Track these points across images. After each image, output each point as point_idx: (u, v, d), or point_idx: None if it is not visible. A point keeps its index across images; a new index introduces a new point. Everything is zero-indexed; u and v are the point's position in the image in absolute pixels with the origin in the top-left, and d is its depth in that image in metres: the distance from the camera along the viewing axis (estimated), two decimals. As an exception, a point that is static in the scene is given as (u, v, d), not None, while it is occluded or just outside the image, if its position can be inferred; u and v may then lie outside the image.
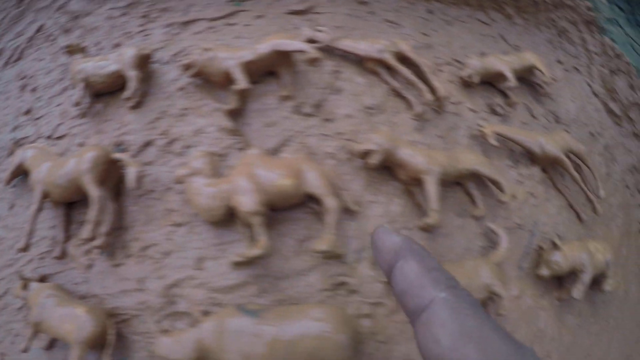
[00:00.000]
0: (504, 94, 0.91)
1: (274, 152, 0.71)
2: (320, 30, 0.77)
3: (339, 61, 0.80)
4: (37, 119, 0.78)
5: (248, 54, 0.73)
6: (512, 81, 0.85)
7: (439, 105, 0.80)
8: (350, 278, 0.66)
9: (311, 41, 0.80)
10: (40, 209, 0.69)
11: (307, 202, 0.67)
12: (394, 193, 0.71)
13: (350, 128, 0.73)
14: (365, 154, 0.67)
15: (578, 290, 0.75)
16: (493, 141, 0.77)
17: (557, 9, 1.06)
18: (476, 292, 0.63)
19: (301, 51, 0.70)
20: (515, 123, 0.90)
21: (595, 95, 1.06)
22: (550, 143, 0.83)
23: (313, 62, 0.72)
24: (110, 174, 0.71)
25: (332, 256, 0.66)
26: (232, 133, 0.72)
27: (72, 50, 0.76)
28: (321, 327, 0.52)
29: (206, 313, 0.61)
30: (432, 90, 0.77)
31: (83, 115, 0.74)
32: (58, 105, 0.76)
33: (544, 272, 0.75)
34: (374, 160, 0.66)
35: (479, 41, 0.98)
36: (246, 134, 0.72)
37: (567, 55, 1.07)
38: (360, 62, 0.81)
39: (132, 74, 0.73)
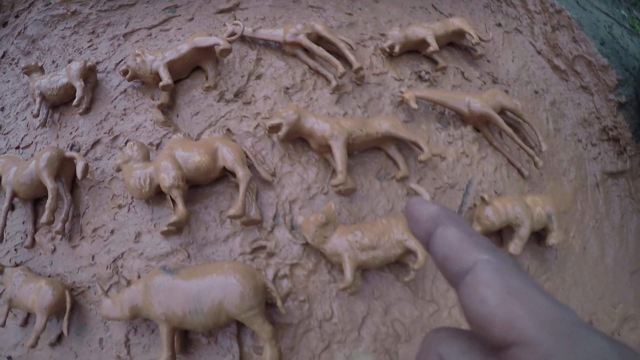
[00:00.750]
0: (433, 61, 0.90)
1: (199, 136, 0.76)
2: (236, 24, 0.81)
3: (261, 50, 0.84)
4: (7, 133, 0.89)
5: (171, 54, 0.79)
6: (433, 46, 0.84)
7: (358, 77, 0.81)
8: (268, 242, 0.68)
9: (232, 34, 0.86)
10: (10, 207, 0.80)
11: (229, 176, 0.71)
12: (308, 162, 0.72)
13: (268, 108, 0.76)
14: (274, 128, 0.69)
15: (515, 245, 0.70)
16: (413, 104, 0.76)
17: (493, -29, 1.03)
18: (389, 249, 0.62)
19: (216, 44, 0.77)
20: (446, 87, 0.88)
21: (539, 53, 1.00)
22: (477, 101, 0.80)
23: (224, 53, 0.77)
24: (65, 170, 0.80)
25: (250, 222, 0.70)
26: (165, 124, 0.79)
27: (29, 70, 0.85)
28: (226, 279, 0.57)
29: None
30: (350, 64, 0.78)
31: (43, 124, 0.84)
32: (24, 119, 0.87)
33: (476, 228, 0.71)
34: (282, 132, 0.69)
35: (408, 14, 0.97)
36: (177, 124, 0.78)
37: (507, 17, 1.01)
38: (280, 47, 0.85)
39: (78, 84, 0.82)
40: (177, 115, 0.78)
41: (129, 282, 0.70)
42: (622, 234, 0.87)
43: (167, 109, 0.79)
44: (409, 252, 0.63)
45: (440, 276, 0.70)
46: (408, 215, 0.23)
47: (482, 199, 0.71)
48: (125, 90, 0.83)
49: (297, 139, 0.72)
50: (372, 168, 0.73)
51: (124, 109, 0.81)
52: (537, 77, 0.98)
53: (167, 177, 0.69)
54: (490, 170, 0.80)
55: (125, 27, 0.89)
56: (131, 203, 0.75)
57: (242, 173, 0.69)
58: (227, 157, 0.70)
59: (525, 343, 0.17)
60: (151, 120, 0.79)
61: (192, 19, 0.88)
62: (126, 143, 0.78)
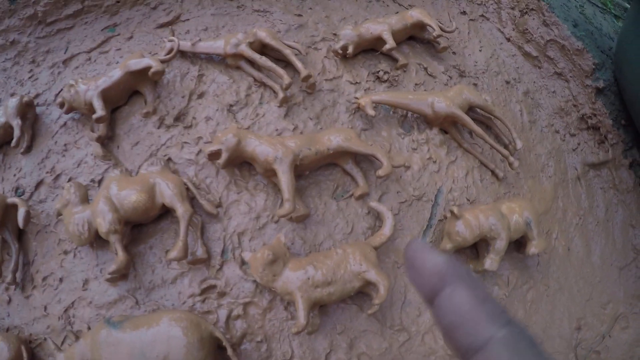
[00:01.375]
0: (393, 59, 0.81)
1: (140, 169, 0.69)
2: (171, 40, 0.73)
3: (203, 65, 0.76)
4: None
5: (104, 82, 0.70)
6: (389, 43, 0.74)
7: (309, 86, 0.72)
8: (218, 280, 0.61)
9: (169, 52, 0.77)
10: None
11: (172, 212, 0.62)
12: (256, 187, 0.64)
13: (210, 130, 0.67)
14: (213, 155, 0.62)
15: (491, 261, 0.61)
16: (370, 111, 0.67)
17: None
18: (347, 283, 0.53)
19: (148, 67, 0.68)
20: (408, 86, 0.79)
21: (509, 40, 0.88)
22: (441, 100, 0.70)
23: (156, 76, 0.68)
24: (10, 217, 0.74)
25: (196, 261, 0.63)
26: (105, 158, 0.71)
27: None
28: (170, 332, 0.52)
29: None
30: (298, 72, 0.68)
31: (-17, 167, 0.77)
32: (-36, 162, 0.81)
33: (447, 245, 0.62)
34: (222, 159, 0.61)
35: (364, 9, 0.87)
36: (117, 157, 0.71)
37: (472, 4, 0.89)
38: (223, 60, 0.76)
39: (16, 123, 0.73)
40: (118, 147, 0.70)
41: (77, 336, 0.64)
42: (607, 228, 0.79)
43: (107, 140, 0.71)
44: (369, 283, 0.57)
45: (410, 301, 0.63)
46: (408, 263, 0.21)
47: (452, 212, 0.61)
48: (65, 124, 0.74)
49: (244, 162, 0.65)
50: (328, 187, 0.65)
51: (65, 144, 0.73)
52: (507, 66, 0.88)
53: (103, 223, 0.61)
54: (461, 175, 0.72)
55: (65, 53, 0.81)
56: (76, 248, 0.67)
57: (181, 210, 0.61)
58: (165, 192, 0.62)
59: None
60: (92, 154, 0.71)
61: (131, 37, 0.79)
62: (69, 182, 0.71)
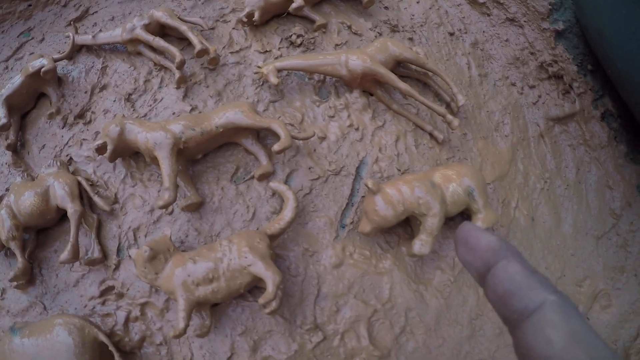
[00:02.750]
0: (311, 20, 0.69)
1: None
2: (67, 36, 0.65)
3: (107, 56, 0.67)
4: None
5: (7, 90, 0.63)
6: (297, 1, 0.61)
7: (210, 61, 0.62)
8: (115, 281, 0.51)
9: (76, 47, 0.70)
10: None
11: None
12: (150, 179, 0.54)
13: (107, 122, 0.61)
14: (100, 149, 0.53)
15: (421, 243, 0.47)
16: (273, 79, 0.54)
17: None
18: (232, 279, 0.42)
19: (41, 67, 0.60)
20: (327, 48, 0.66)
21: None
22: (355, 58, 0.57)
23: (47, 74, 0.60)
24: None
25: (92, 262, 0.55)
26: (16, 166, 0.65)
27: None
28: (55, 337, 0.46)
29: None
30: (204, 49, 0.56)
31: None
32: None
33: (366, 227, 0.48)
34: (108, 152, 0.51)
35: None
36: (28, 163, 0.65)
37: None
38: (125, 48, 0.68)
39: None
40: (28, 153, 0.64)
41: None
42: (579, 191, 0.63)
43: (20, 147, 0.66)
44: (260, 278, 0.46)
45: (326, 295, 0.51)
46: (461, 242, 0.22)
47: (367, 186, 0.47)
48: (-17, 133, 0.70)
49: (139, 153, 0.56)
50: (227, 170, 0.54)
51: (-17, 154, 0.69)
52: (451, 16, 0.72)
53: (2, 230, 0.55)
54: (390, 141, 0.59)
55: (-15, 65, 0.77)
56: (-9, 256, 0.63)
57: (71, 209, 0.53)
58: (59, 193, 0.54)
59: None
60: (6, 163, 0.66)
61: (43, 40, 0.72)
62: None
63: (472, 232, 0.22)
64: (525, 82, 0.68)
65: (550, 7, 0.68)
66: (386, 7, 0.69)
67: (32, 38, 0.73)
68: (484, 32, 0.70)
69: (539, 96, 0.68)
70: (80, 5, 0.72)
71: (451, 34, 0.69)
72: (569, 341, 0.17)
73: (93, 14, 0.71)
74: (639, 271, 0.60)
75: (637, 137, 0.67)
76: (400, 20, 0.68)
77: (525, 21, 0.70)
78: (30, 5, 0.74)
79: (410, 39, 0.66)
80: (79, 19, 0.71)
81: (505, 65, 0.69)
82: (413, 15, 0.69)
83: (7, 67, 0.73)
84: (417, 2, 0.70)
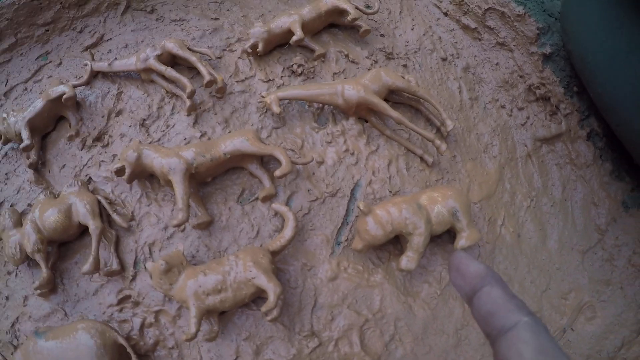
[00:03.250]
0: (311, 50, 0.80)
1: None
2: (85, 65, 0.78)
3: (122, 82, 0.79)
4: None
5: (29, 113, 0.76)
6: (297, 34, 0.72)
7: (217, 90, 0.73)
8: (132, 291, 0.63)
9: (93, 73, 0.82)
10: None
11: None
12: (164, 199, 0.65)
13: (124, 146, 0.72)
14: (119, 172, 0.65)
15: (407, 259, 0.57)
16: (275, 108, 0.66)
17: None
18: (238, 290, 0.52)
19: (62, 93, 0.71)
20: (326, 77, 0.77)
21: (446, 14, 0.81)
22: (351, 87, 0.68)
23: (68, 101, 0.72)
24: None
25: (111, 273, 0.66)
26: (38, 183, 0.77)
27: None
28: (78, 340, 0.57)
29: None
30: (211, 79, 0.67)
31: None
32: None
33: (358, 245, 0.58)
34: (126, 175, 0.63)
35: (285, 3, 0.85)
36: (49, 181, 0.76)
37: None
38: (139, 75, 0.80)
39: None
40: (49, 171, 0.76)
41: (15, 347, 0.71)
42: (565, 209, 0.73)
43: (41, 166, 0.78)
44: (263, 290, 0.57)
45: (322, 305, 0.61)
46: (453, 268, 0.29)
47: (359, 208, 0.57)
48: (6, 154, 0.82)
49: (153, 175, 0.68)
50: (234, 192, 0.66)
51: (6, 173, 0.80)
52: (444, 42, 0.83)
53: (28, 244, 0.67)
54: (382, 165, 0.70)
55: (5, 86, 0.89)
56: (17, 268, 0.74)
57: (92, 226, 0.65)
58: (80, 211, 0.67)
59: None
60: (28, 180, 0.78)
61: (60, 64, 0.85)
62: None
63: (463, 260, 0.28)
64: (514, 104, 0.78)
65: (538, 31, 0.78)
66: (382, 35, 0.80)
67: (50, 62, 0.86)
68: (475, 56, 0.81)
69: (527, 117, 0.78)
70: (96, 32, 0.84)
71: (444, 59, 0.79)
72: (536, 355, 0.22)
73: (107, 40, 0.83)
74: (624, 284, 0.70)
75: (622, 155, 0.77)
76: (395, 48, 0.79)
77: (514, 45, 0.80)
78: (47, 30, 0.87)
79: (405, 66, 0.77)
80: (94, 45, 0.83)
81: (495, 89, 0.79)
82: (407, 42, 0.80)
83: (26, 89, 0.86)
84: (412, 29, 0.81)
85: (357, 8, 0.76)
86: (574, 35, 0.74)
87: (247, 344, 0.57)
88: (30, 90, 0.85)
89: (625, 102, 0.67)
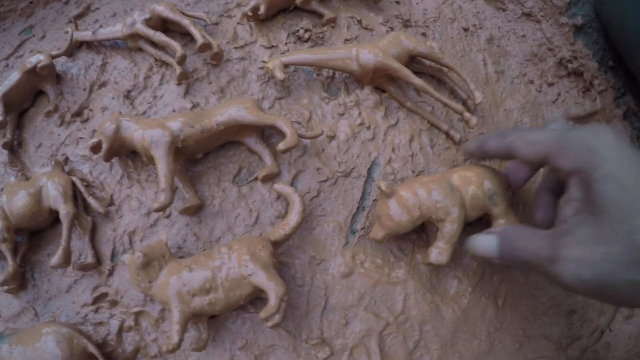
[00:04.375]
0: (319, 14, 0.64)
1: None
2: (66, 32, 0.61)
3: (108, 52, 0.62)
4: None
5: (4, 87, 0.60)
6: None
7: (212, 56, 0.57)
8: (109, 288, 0.46)
9: (76, 43, 0.66)
10: None
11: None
12: (147, 179, 0.49)
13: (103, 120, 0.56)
14: (95, 148, 0.49)
15: (439, 251, 0.41)
16: (279, 74, 0.48)
17: None
18: (231, 289, 0.37)
19: (38, 63, 0.56)
20: (337, 43, 0.59)
21: None
22: (367, 51, 0.52)
23: (43, 70, 0.56)
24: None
25: (85, 267, 0.51)
26: (12, 165, 0.61)
27: None
28: (43, 347, 0.42)
29: None
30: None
31: None
32: None
33: (378, 234, 0.43)
34: (103, 151, 0.47)
35: None
36: (24, 162, 0.60)
37: None
38: (126, 44, 0.64)
39: None
40: (25, 152, 0.60)
41: None
42: None
43: (17, 146, 0.62)
44: (257, 286, 0.41)
45: (334, 307, 0.45)
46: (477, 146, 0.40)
47: (380, 188, 0.41)
48: (-19, 132, 0.67)
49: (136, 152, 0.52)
50: (229, 170, 0.49)
51: (-20, 153, 0.65)
52: (465, 11, 0.67)
53: (-7, 233, 0.52)
54: (403, 141, 0.53)
55: (-13, 62, 0.73)
56: (-16, 259, 0.59)
57: (64, 211, 0.48)
58: (52, 194, 0.50)
59: None
60: (2, 162, 0.62)
61: (44, 37, 0.68)
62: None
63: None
64: (544, 79, 0.63)
65: (568, 0, 0.62)
66: (397, 2, 0.64)
67: (34, 35, 0.69)
68: (499, 27, 0.65)
69: (558, 94, 0.62)
70: (82, 2, 0.68)
71: (465, 30, 0.64)
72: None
73: (95, 10, 0.67)
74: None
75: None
76: (412, 15, 0.63)
77: (542, 16, 0.64)
78: (31, 2, 0.70)
79: (424, 34, 0.61)
80: (80, 15, 0.67)
81: (523, 62, 0.63)
82: (426, 10, 0.64)
83: (7, 65, 0.69)
84: (430, -3, 0.65)
85: (369, -30, 0.60)
86: (612, 2, 0.58)
87: (244, 354, 0.42)
88: (12, 66, 0.69)
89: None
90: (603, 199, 0.24)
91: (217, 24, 0.59)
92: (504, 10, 0.66)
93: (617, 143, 0.26)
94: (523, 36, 0.65)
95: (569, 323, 0.51)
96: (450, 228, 0.42)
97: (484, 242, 0.36)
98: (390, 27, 0.60)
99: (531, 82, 0.62)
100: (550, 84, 0.63)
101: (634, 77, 0.62)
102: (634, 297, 0.24)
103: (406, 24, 0.61)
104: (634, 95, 0.63)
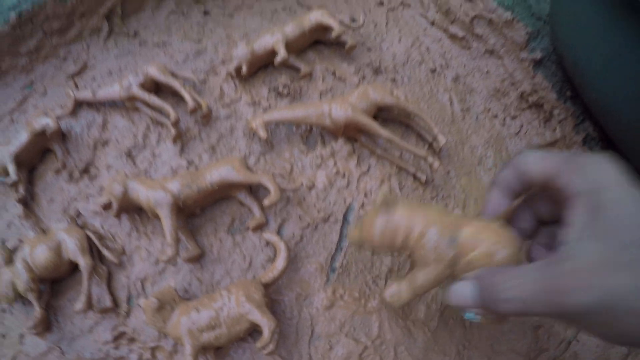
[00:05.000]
0: (296, 69, 0.76)
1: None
2: (67, 94, 0.74)
3: (107, 111, 0.75)
4: None
5: (14, 147, 0.73)
6: (280, 54, 0.69)
7: (203, 117, 0.70)
8: (127, 327, 0.60)
9: (77, 103, 0.78)
10: None
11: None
12: (154, 232, 0.62)
13: (110, 179, 0.69)
14: (106, 207, 0.62)
15: (397, 292, 0.44)
16: (261, 133, 0.63)
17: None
18: (232, 325, 0.50)
19: (46, 126, 0.67)
20: (313, 96, 0.74)
21: (433, 24, 0.77)
22: (337, 107, 0.65)
23: (53, 135, 0.70)
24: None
25: (104, 310, 0.64)
26: (27, 218, 0.74)
27: None
28: None
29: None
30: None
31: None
32: None
33: (354, 237, 0.45)
34: (113, 210, 0.61)
35: (269, 21, 0.81)
36: (38, 215, 0.74)
37: None
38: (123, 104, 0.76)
39: None
40: (38, 206, 0.73)
41: None
42: None
43: (30, 200, 0.75)
44: (256, 324, 0.54)
45: (319, 335, 0.58)
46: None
47: (379, 199, 0.40)
48: (-5, 188, 0.80)
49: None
50: (224, 222, 0.62)
51: (-4, 208, 0.78)
52: (432, 52, 0.79)
53: (20, 283, 0.64)
54: (374, 186, 0.66)
55: (-8, 117, 0.86)
56: (11, 307, 0.72)
57: (83, 263, 0.63)
58: (70, 248, 0.64)
59: None
60: (17, 215, 0.75)
61: (45, 93, 0.81)
62: (2, 243, 0.76)
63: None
64: (507, 113, 0.75)
65: (527, 36, 0.74)
66: (369, 49, 0.76)
67: (35, 91, 0.82)
68: (465, 65, 0.77)
69: (521, 126, 0.75)
70: (79, 59, 0.80)
71: (433, 71, 0.76)
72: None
73: (91, 67, 0.79)
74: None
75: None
76: (382, 61, 0.75)
77: (504, 52, 0.77)
78: (31, 59, 0.83)
79: (393, 80, 0.74)
80: (78, 73, 0.80)
81: (487, 98, 0.76)
82: (395, 55, 0.76)
83: (12, 120, 0.83)
84: (399, 41, 0.78)
85: (341, 23, 0.72)
86: (564, 39, 0.70)
87: (245, 379, 0.55)
88: (17, 121, 0.82)
89: (623, 106, 0.63)
90: (613, 224, 0.25)
91: (204, 82, 0.72)
92: (468, 48, 0.78)
93: (624, 170, 0.28)
94: (487, 72, 0.77)
95: (535, 337, 0.63)
96: (423, 278, 0.40)
97: (458, 291, 0.34)
98: (362, 76, 0.73)
99: (495, 116, 0.75)
100: (514, 117, 0.75)
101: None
102: (636, 328, 0.24)
103: (376, 72, 0.74)
104: (592, 122, 0.76)
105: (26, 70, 0.85)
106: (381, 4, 0.82)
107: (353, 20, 0.79)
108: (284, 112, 0.63)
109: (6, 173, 0.73)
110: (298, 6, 0.81)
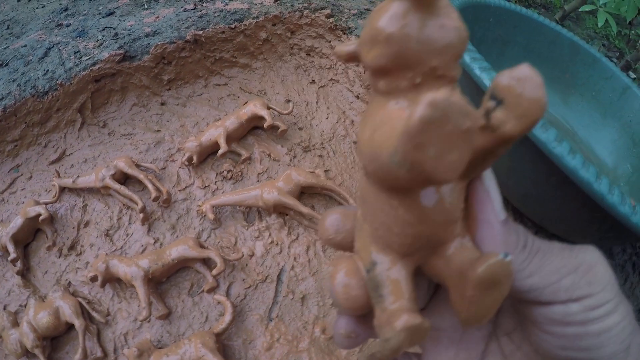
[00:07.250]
0: (238, 154, 1.22)
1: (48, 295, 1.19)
2: (52, 184, 1.23)
3: (86, 196, 1.23)
4: None
5: (12, 229, 1.22)
6: (222, 147, 1.16)
7: (163, 202, 1.16)
8: None
9: (61, 190, 1.26)
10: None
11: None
12: (131, 296, 1.10)
13: (94, 255, 1.16)
14: (93, 279, 1.09)
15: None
16: (210, 215, 1.10)
17: (296, 33, 1.30)
18: None
19: (39, 214, 1.18)
20: (252, 178, 1.20)
21: (358, 97, 1.24)
22: (267, 191, 1.11)
23: (45, 222, 1.18)
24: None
25: (96, 359, 1.11)
26: (26, 287, 1.22)
27: None
28: None
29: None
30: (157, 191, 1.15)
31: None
32: None
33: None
34: (99, 282, 1.08)
35: (216, 108, 1.28)
36: (35, 285, 1.21)
37: (321, 70, 1.26)
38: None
39: None
40: (34, 277, 1.21)
41: None
42: None
43: (26, 272, 1.22)
44: None
45: None
46: None
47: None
48: (-6, 261, 1.28)
49: (120, 278, 1.12)
50: (185, 286, 1.09)
51: (-3, 279, 1.26)
52: (356, 125, 1.25)
53: (27, 341, 1.13)
54: (302, 251, 1.12)
55: (-18, 199, 1.35)
56: None
57: (78, 324, 1.10)
58: (66, 312, 1.12)
59: None
60: (17, 285, 1.22)
61: (31, 177, 1.29)
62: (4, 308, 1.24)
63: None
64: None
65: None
66: (300, 128, 1.22)
67: (22, 175, 1.30)
68: (384, 137, 1.23)
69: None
70: (58, 147, 1.29)
71: (355, 143, 1.22)
72: None
73: (69, 155, 1.28)
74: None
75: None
76: (312, 139, 1.21)
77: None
78: (16, 145, 1.32)
79: (320, 156, 1.20)
80: (58, 159, 1.28)
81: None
82: (323, 131, 1.23)
83: (2, 200, 1.31)
84: (327, 118, 1.24)
85: (274, 109, 1.18)
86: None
87: (204, 404, 1.01)
88: (7, 201, 1.31)
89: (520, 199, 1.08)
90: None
91: (164, 168, 1.19)
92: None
93: None
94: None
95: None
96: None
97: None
98: (292, 155, 1.19)
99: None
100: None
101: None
102: None
103: (306, 149, 1.20)
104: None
105: (12, 155, 1.34)
106: (313, 82, 1.28)
107: (288, 100, 1.26)
108: (227, 197, 1.10)
109: (6, 250, 1.21)
110: (241, 92, 1.28)
